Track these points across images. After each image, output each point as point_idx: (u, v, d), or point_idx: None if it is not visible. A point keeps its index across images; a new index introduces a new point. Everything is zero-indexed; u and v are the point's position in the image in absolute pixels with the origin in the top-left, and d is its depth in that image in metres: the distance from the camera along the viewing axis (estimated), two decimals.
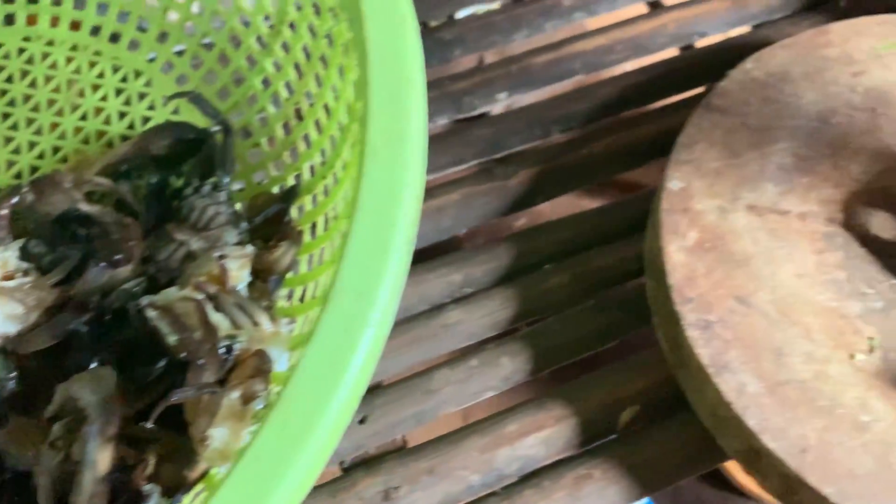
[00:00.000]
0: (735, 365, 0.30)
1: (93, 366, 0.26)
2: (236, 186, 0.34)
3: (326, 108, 0.32)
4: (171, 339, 0.25)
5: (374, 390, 0.33)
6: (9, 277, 0.27)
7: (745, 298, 0.32)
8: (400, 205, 0.23)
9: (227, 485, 0.19)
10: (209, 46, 0.37)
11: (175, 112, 0.37)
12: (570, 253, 0.37)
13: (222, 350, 0.25)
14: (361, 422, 0.32)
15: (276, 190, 0.33)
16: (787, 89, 0.37)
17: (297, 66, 0.34)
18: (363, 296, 0.21)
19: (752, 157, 0.35)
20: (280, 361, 0.25)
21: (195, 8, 0.37)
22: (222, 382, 0.24)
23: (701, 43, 0.44)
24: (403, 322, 0.35)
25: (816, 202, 0.34)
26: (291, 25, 0.34)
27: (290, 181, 0.33)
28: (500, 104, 0.43)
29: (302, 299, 0.29)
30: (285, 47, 0.34)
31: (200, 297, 0.26)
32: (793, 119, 0.36)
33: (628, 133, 0.41)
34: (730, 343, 0.31)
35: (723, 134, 0.36)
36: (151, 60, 0.38)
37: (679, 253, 0.33)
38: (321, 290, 0.25)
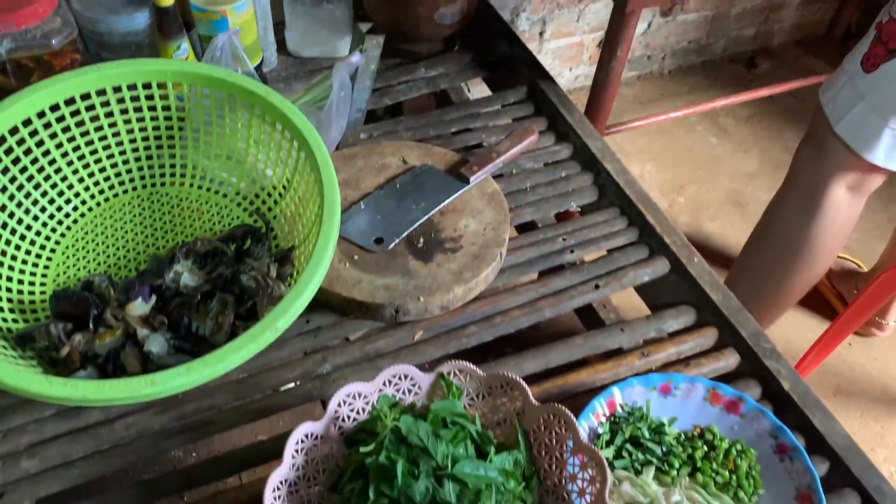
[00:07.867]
0: None
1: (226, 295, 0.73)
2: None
3: (306, 214, 0.79)
4: (251, 286, 0.74)
5: None
6: (189, 270, 0.76)
7: None
8: (328, 243, 0.69)
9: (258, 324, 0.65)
10: (257, 196, 0.88)
11: (240, 218, 0.88)
12: None
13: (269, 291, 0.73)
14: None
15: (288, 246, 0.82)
16: None
17: (297, 200, 0.83)
18: (315, 268, 0.67)
19: None
20: (286, 297, 0.70)
21: (243, 185, 0.89)
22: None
23: None
24: None
25: None
26: (293, 187, 0.83)
27: (293, 243, 0.80)
28: None
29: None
30: (293, 191, 0.83)
31: (259, 276, 0.73)
32: None
33: None
34: None
35: None
36: (231, 199, 0.89)
37: None
38: (298, 278, 0.71)
